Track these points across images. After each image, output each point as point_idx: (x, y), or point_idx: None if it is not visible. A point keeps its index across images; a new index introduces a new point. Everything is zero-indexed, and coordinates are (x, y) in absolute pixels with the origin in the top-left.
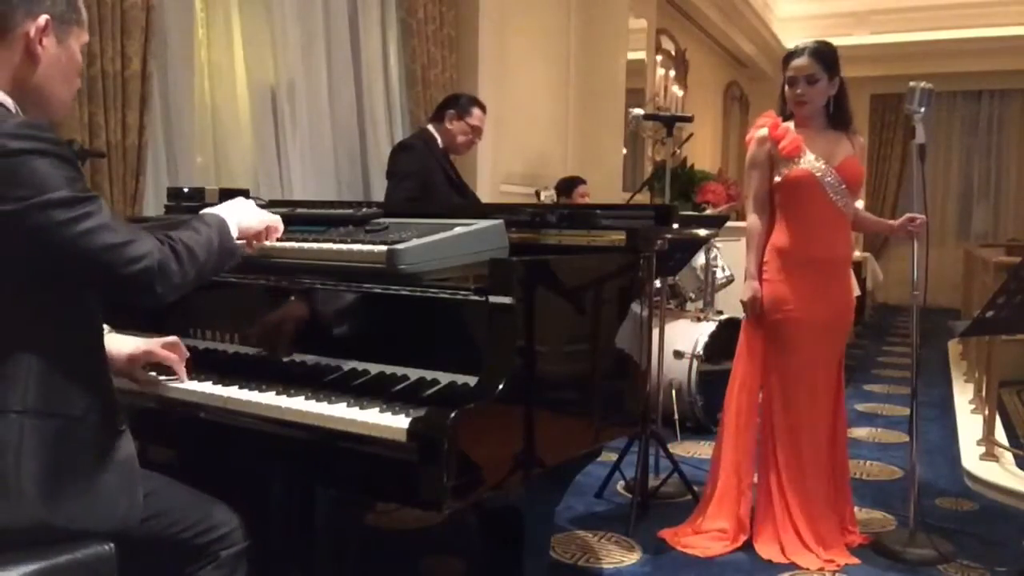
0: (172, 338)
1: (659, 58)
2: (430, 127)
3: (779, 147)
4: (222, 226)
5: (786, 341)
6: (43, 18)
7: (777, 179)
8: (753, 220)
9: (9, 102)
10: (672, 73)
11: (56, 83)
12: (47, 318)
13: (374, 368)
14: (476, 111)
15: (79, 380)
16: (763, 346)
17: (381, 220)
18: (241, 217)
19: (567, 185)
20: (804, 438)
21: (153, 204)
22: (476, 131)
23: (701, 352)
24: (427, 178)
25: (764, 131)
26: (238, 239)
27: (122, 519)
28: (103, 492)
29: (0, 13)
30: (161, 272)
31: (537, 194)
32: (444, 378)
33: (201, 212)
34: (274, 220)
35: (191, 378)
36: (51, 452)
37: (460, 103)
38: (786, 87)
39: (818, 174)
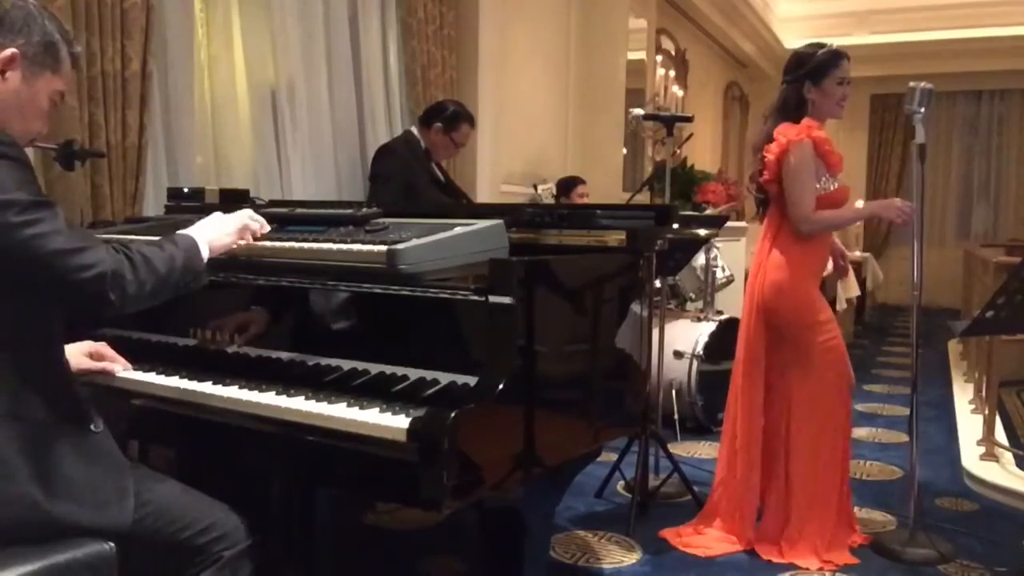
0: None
1: (659, 58)
2: (414, 129)
3: (828, 163)
4: (190, 246)
5: (809, 345)
6: (9, 51)
7: (818, 194)
8: (821, 213)
9: None
10: (672, 73)
11: (11, 117)
12: (11, 324)
13: (374, 368)
14: (464, 128)
15: (45, 384)
16: (768, 347)
17: (381, 220)
18: (212, 236)
19: (566, 185)
20: (827, 439)
21: (153, 204)
22: (460, 145)
23: (701, 352)
24: (410, 180)
25: (809, 143)
26: (209, 254)
27: (114, 516)
28: (91, 489)
29: None
30: (114, 279)
31: (535, 187)
32: (444, 378)
33: (176, 233)
34: (247, 224)
35: (191, 378)
36: (34, 453)
37: (448, 117)
38: (835, 85)
39: (849, 188)
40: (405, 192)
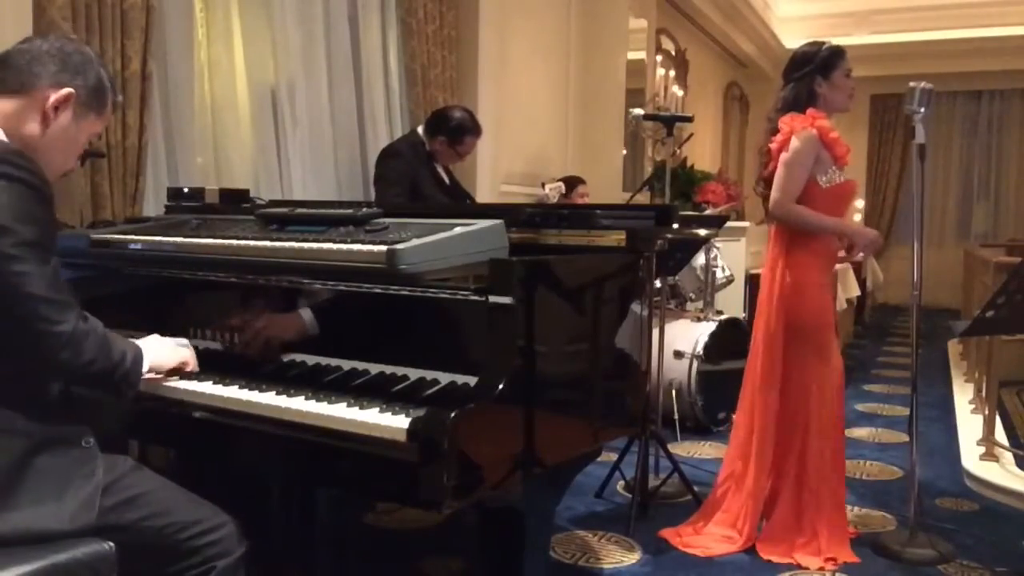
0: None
1: (659, 58)
2: (420, 131)
3: (835, 154)
4: (139, 356)
5: (824, 345)
6: (66, 90)
7: (824, 185)
8: (801, 207)
9: (3, 137)
10: (672, 73)
11: (55, 152)
12: (9, 341)
13: (374, 368)
14: (468, 140)
15: (43, 400)
16: (782, 349)
17: (381, 220)
18: (156, 355)
19: (567, 185)
20: (831, 439)
21: (153, 204)
22: (463, 155)
23: (701, 352)
24: (415, 183)
25: (815, 132)
26: (147, 372)
27: (69, 526)
28: (47, 503)
29: (36, 73)
30: (73, 343)
31: (543, 185)
32: (444, 378)
33: (130, 340)
34: (186, 358)
35: (191, 378)
36: (10, 467)
37: (452, 130)
38: (843, 78)
39: (855, 182)
40: (410, 194)
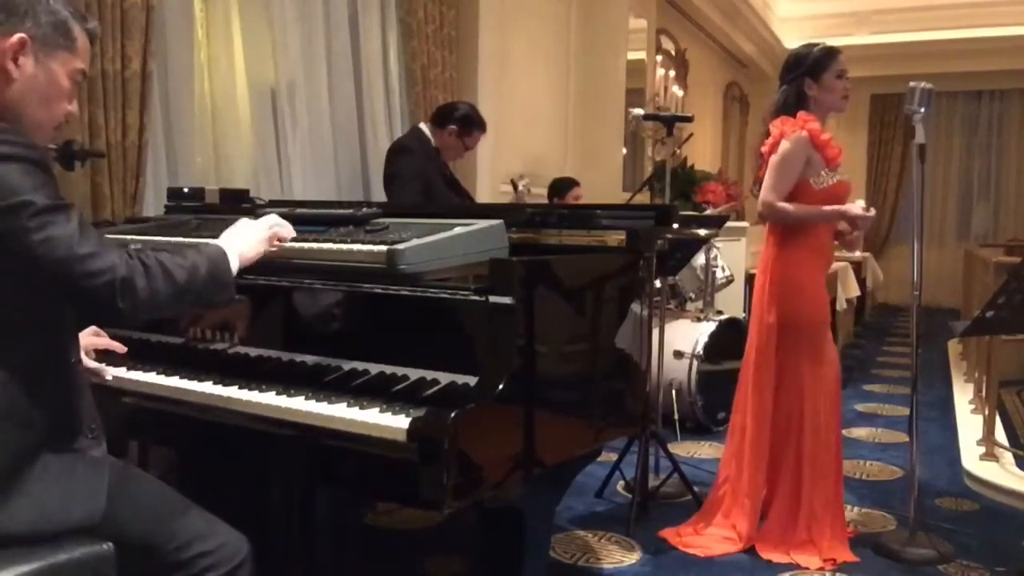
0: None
1: (659, 58)
2: (424, 127)
3: (826, 156)
4: (217, 256)
5: (819, 345)
6: (17, 36)
7: (817, 187)
8: (788, 204)
9: None
10: (672, 73)
11: (32, 104)
12: (16, 329)
13: (374, 368)
14: (477, 133)
15: (42, 392)
16: (780, 345)
17: (381, 220)
18: (243, 247)
19: (561, 187)
20: (827, 438)
21: (153, 204)
22: (469, 149)
23: (701, 352)
24: (426, 179)
25: (805, 135)
26: (240, 268)
27: (76, 525)
28: (53, 499)
29: None
30: (125, 287)
31: (513, 184)
32: (444, 378)
33: (203, 242)
34: (277, 231)
35: (191, 378)
36: (13, 462)
37: (462, 121)
38: (834, 79)
39: (849, 183)
40: (424, 191)
